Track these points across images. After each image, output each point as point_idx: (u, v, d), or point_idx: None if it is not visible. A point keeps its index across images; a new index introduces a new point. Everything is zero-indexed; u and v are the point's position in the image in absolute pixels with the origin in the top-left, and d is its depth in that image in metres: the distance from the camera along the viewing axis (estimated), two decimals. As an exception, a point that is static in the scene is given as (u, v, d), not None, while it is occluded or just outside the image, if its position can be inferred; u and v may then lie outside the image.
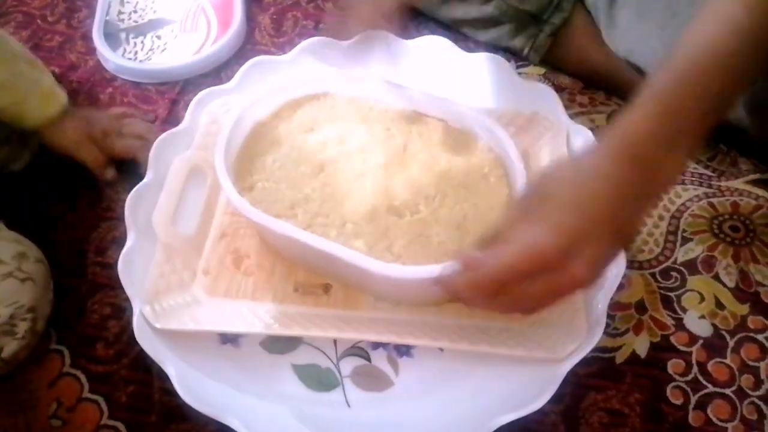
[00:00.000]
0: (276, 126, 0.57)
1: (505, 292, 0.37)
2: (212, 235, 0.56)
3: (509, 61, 0.68)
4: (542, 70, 0.72)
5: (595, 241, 0.36)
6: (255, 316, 0.51)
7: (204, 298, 0.52)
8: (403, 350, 0.52)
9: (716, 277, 0.57)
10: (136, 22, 0.78)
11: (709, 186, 0.62)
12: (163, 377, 0.48)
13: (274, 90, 0.58)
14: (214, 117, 0.61)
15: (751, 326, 0.55)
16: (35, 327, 0.52)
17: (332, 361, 0.52)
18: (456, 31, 0.74)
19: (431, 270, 0.44)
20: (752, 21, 0.37)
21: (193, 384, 0.47)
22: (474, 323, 0.51)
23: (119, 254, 0.53)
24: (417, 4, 0.71)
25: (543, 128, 0.59)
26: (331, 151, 0.55)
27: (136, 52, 0.75)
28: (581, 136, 0.59)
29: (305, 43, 0.67)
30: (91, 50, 0.78)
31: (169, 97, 0.73)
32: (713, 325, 0.55)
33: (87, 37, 0.79)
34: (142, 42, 0.76)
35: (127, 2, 0.80)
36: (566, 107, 0.62)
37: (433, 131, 0.57)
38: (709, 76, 0.37)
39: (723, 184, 0.62)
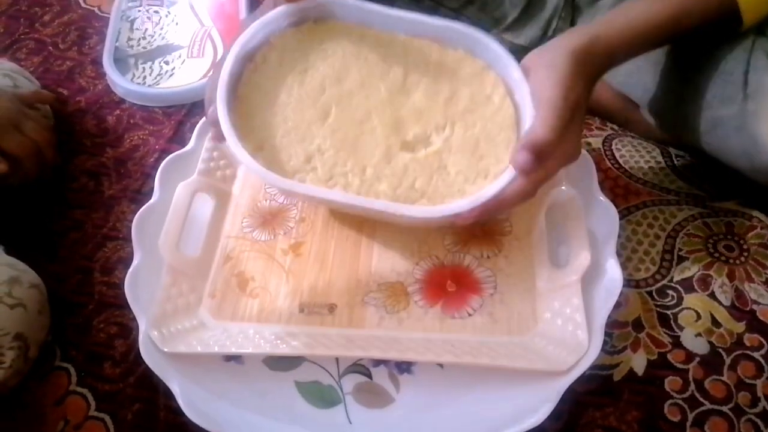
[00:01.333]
0: (266, 72, 0.52)
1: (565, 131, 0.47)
2: (217, 259, 0.57)
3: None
4: (539, 96, 0.73)
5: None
6: (261, 338, 0.52)
7: (210, 321, 0.53)
8: (404, 367, 0.53)
9: (712, 296, 0.58)
10: (144, 48, 0.81)
11: (704, 206, 0.64)
12: (169, 395, 0.49)
13: (255, 28, 0.51)
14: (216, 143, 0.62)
15: (748, 344, 0.56)
16: (26, 354, 0.52)
17: (334, 379, 0.53)
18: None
19: (486, 192, 0.48)
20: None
21: (197, 402, 0.48)
22: (476, 338, 0.52)
23: (125, 274, 0.54)
24: None
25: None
26: (331, 91, 0.51)
27: (144, 77, 0.77)
28: (579, 159, 0.60)
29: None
30: (101, 75, 0.80)
31: (176, 119, 0.75)
32: (710, 342, 0.56)
33: (97, 63, 0.82)
34: (150, 67, 0.78)
35: (137, 29, 0.83)
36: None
37: (429, 55, 0.53)
38: (638, 37, 0.51)
39: (717, 204, 0.64)
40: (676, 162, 0.67)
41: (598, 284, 0.53)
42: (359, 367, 0.53)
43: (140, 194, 0.68)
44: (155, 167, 0.69)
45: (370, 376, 0.53)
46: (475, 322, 0.53)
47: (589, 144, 0.69)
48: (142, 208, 0.59)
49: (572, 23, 0.70)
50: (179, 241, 0.55)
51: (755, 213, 0.63)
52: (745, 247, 0.61)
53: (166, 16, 0.84)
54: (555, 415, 0.46)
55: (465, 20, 0.71)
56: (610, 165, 0.67)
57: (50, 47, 0.85)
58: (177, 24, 0.83)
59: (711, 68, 0.55)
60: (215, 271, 0.56)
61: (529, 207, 0.58)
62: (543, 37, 0.70)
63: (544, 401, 0.47)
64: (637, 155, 0.68)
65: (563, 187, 0.58)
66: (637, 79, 0.62)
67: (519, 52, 0.69)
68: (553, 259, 0.56)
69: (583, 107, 0.49)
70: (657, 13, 0.51)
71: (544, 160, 0.47)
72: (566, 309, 0.52)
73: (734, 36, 0.55)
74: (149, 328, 0.51)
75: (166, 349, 0.50)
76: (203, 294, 0.55)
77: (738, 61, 0.54)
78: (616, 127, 0.71)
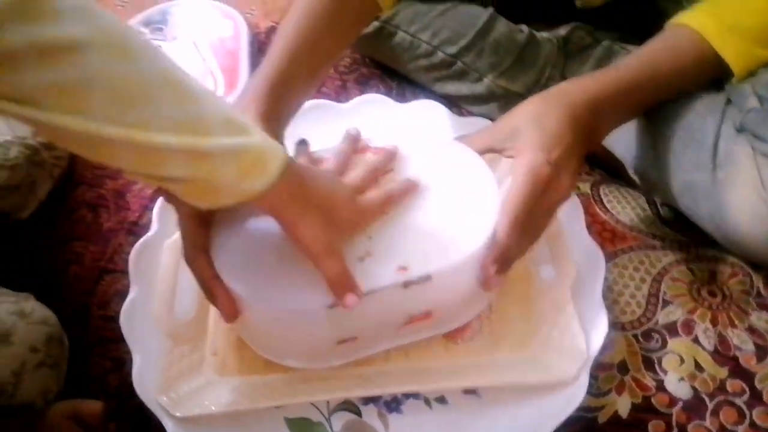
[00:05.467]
0: None
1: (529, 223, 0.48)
2: (212, 315, 0.57)
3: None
4: (531, 138, 0.76)
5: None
6: (272, 389, 0.52)
7: (216, 378, 0.53)
8: (393, 406, 0.54)
9: (696, 340, 0.60)
10: (147, 82, 0.83)
11: (688, 252, 0.65)
12: (161, 429, 0.50)
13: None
14: None
15: (730, 390, 0.57)
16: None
17: (324, 416, 0.53)
18: (449, 102, 0.78)
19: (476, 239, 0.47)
20: (687, 57, 0.55)
21: (188, 436, 0.49)
22: (482, 359, 0.54)
23: (122, 307, 0.55)
24: None
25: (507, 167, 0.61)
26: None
27: (146, 111, 0.79)
28: (567, 202, 0.62)
29: (305, 106, 0.71)
30: (103, 107, 0.82)
31: (176, 153, 0.77)
32: (693, 387, 0.57)
33: (100, 95, 0.83)
34: (152, 101, 0.80)
35: (140, 63, 0.85)
36: (553, 174, 0.66)
37: None
38: (644, 88, 0.55)
39: (701, 251, 0.65)
40: (661, 210, 0.69)
41: (584, 325, 0.54)
42: (349, 405, 0.54)
43: (137, 226, 0.70)
44: (153, 199, 0.71)
45: (359, 413, 0.53)
46: (478, 344, 0.55)
47: (578, 188, 0.71)
48: (139, 241, 0.60)
49: (563, 71, 0.72)
50: (173, 302, 0.54)
51: (737, 260, 0.64)
52: (727, 293, 0.62)
53: (169, 51, 0.86)
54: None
55: (461, 66, 0.74)
56: (597, 210, 0.69)
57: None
58: (179, 59, 0.85)
59: (686, 134, 0.58)
60: (213, 327, 0.56)
61: None
62: (537, 84, 0.72)
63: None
64: (624, 201, 0.70)
65: None
66: (618, 137, 0.64)
67: (514, 98, 0.72)
68: (541, 277, 0.58)
69: (574, 153, 0.50)
70: (653, 72, 0.55)
71: (510, 256, 0.48)
72: (561, 321, 0.54)
73: (708, 100, 0.58)
74: (158, 394, 0.50)
75: (178, 414, 0.50)
76: (205, 352, 0.55)
77: (709, 129, 0.56)
78: (603, 174, 0.73)
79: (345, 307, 0.44)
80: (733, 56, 0.55)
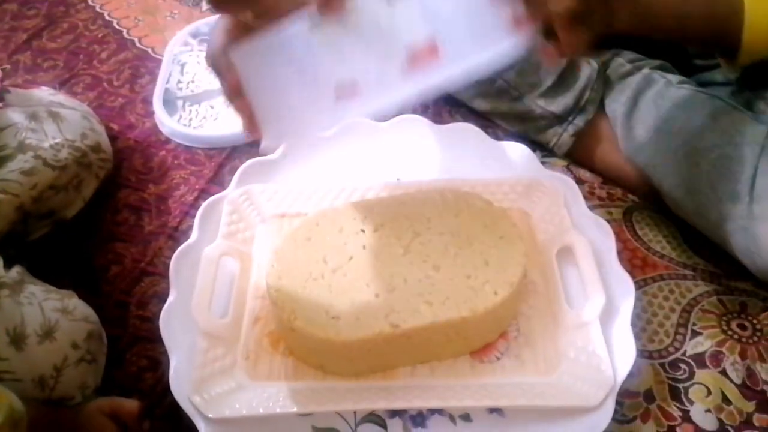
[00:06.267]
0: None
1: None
2: (246, 319, 0.59)
3: (535, 151, 0.73)
4: (566, 162, 0.76)
5: None
6: (302, 395, 0.54)
7: (247, 382, 0.55)
8: (418, 421, 0.55)
9: (723, 373, 0.59)
10: (192, 91, 0.86)
11: (719, 284, 0.65)
12: (193, 428, 0.52)
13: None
14: (236, 206, 0.65)
15: (757, 424, 0.57)
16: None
17: (351, 427, 0.54)
18: (487, 119, 0.79)
19: None
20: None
21: (219, 439, 0.51)
22: (507, 380, 0.54)
23: (159, 308, 0.57)
24: None
25: (541, 193, 0.65)
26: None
27: (190, 119, 0.82)
28: (598, 228, 0.63)
29: (345, 124, 0.73)
30: (150, 113, 0.85)
31: (217, 161, 0.79)
32: (719, 419, 0.57)
33: (147, 101, 0.87)
34: (197, 110, 0.83)
35: (186, 72, 0.88)
36: (586, 199, 0.66)
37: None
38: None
39: (732, 283, 0.65)
40: (693, 239, 0.69)
41: (612, 352, 0.55)
42: (375, 417, 0.55)
43: (177, 231, 0.72)
44: (193, 206, 0.73)
45: (385, 426, 0.55)
46: (504, 365, 0.56)
47: (610, 214, 0.71)
48: (181, 246, 0.62)
49: (603, 96, 0.73)
50: (210, 306, 0.57)
51: (769, 294, 0.64)
52: (758, 327, 0.62)
53: (215, 62, 0.89)
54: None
55: (502, 83, 0.75)
56: (629, 236, 0.70)
57: (105, 83, 0.91)
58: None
59: (723, 165, 0.58)
60: (246, 332, 0.58)
61: (542, 251, 0.62)
62: (575, 107, 0.73)
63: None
64: (656, 229, 0.70)
65: (572, 231, 0.61)
66: (656, 163, 0.65)
67: (552, 119, 0.73)
68: (570, 301, 0.58)
69: None
70: None
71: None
72: (588, 346, 0.54)
73: (747, 131, 0.58)
74: (191, 394, 0.52)
75: (210, 415, 0.51)
76: (237, 356, 0.56)
77: (747, 161, 0.57)
78: (637, 200, 0.73)
79: (331, 13, 0.43)
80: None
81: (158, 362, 0.61)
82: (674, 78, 0.69)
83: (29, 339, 0.53)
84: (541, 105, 0.74)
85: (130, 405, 0.56)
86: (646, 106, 0.68)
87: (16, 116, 0.69)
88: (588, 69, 0.73)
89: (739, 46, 0.55)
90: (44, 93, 0.78)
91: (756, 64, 0.61)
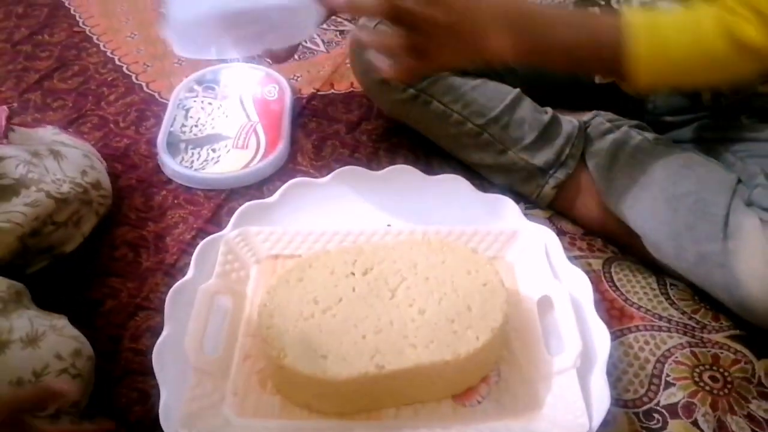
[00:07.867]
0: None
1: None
2: (236, 357, 0.61)
3: (519, 202, 0.77)
4: (548, 213, 0.80)
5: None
6: None
7: (234, 419, 0.56)
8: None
9: (695, 423, 0.61)
10: (195, 135, 0.89)
11: (693, 336, 0.68)
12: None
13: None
14: (232, 246, 0.68)
15: (727, 475, 0.58)
16: (74, 419, 0.56)
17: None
18: (474, 171, 0.83)
19: None
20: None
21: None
22: (486, 425, 0.56)
23: (152, 342, 0.59)
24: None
25: (524, 243, 0.69)
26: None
27: (192, 162, 0.86)
28: (577, 278, 0.66)
29: (340, 171, 0.77)
30: (153, 154, 0.89)
31: (216, 202, 0.82)
32: (691, 470, 0.59)
33: (151, 143, 0.90)
34: (198, 153, 0.87)
35: (190, 117, 0.92)
36: (566, 250, 0.70)
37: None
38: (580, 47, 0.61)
39: (705, 336, 0.68)
40: (670, 291, 0.72)
41: (588, 400, 0.57)
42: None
43: (174, 268, 0.74)
44: (191, 244, 0.76)
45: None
46: (485, 409, 0.58)
47: (590, 265, 0.74)
48: (177, 283, 0.65)
49: (583, 151, 0.77)
50: (203, 342, 0.59)
51: (740, 347, 0.67)
52: (729, 379, 0.65)
53: (218, 108, 0.94)
54: None
55: (487, 137, 0.79)
56: (607, 287, 0.73)
57: (111, 124, 0.95)
58: (227, 116, 0.92)
59: (699, 209, 0.64)
60: (236, 369, 0.60)
61: (524, 299, 0.65)
62: (556, 161, 0.76)
63: None
64: (633, 280, 0.73)
65: (552, 282, 0.64)
66: (638, 211, 0.68)
67: (534, 172, 0.77)
68: (549, 348, 0.61)
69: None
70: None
71: None
72: (566, 393, 0.57)
73: (721, 178, 0.65)
74: (179, 428, 0.53)
75: None
76: (226, 392, 0.58)
77: (721, 203, 0.63)
78: (616, 251, 0.76)
79: None
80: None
81: (148, 395, 0.62)
82: (650, 135, 0.74)
83: (13, 345, 0.54)
84: (524, 158, 0.78)
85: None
86: (626, 160, 0.72)
87: (17, 151, 0.71)
88: (570, 126, 0.77)
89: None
90: (47, 132, 0.81)
91: (723, 117, 0.69)
